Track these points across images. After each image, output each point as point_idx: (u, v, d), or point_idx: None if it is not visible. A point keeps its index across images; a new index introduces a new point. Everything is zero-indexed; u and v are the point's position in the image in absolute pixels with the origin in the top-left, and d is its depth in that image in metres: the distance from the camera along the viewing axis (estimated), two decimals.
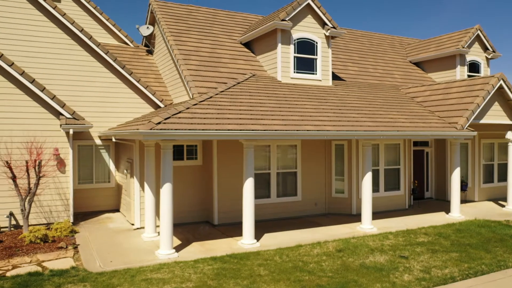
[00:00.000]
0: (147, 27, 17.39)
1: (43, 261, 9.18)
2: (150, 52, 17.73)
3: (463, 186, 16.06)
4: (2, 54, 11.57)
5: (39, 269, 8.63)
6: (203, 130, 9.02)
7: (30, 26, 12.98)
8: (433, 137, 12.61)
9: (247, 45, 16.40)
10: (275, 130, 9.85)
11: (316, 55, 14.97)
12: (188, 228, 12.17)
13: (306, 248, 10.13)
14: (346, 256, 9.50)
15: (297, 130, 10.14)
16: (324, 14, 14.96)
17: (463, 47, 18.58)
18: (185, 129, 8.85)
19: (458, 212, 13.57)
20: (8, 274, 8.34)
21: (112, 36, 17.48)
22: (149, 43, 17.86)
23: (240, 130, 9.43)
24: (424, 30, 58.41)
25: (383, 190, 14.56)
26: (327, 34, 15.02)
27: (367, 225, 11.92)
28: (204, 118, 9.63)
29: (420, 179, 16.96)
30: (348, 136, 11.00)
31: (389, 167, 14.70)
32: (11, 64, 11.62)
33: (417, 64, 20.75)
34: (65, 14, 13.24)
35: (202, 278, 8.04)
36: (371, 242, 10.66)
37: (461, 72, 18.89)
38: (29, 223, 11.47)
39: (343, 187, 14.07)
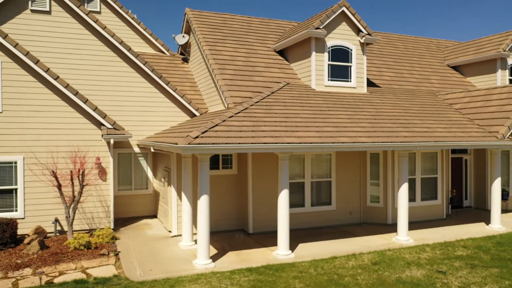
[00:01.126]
0: (183, 36, 17.78)
1: (87, 268, 9.61)
2: (185, 60, 18.13)
3: (504, 195, 15.56)
4: (49, 69, 12.16)
5: (84, 276, 9.06)
6: (239, 144, 9.20)
7: (73, 39, 13.57)
8: (472, 147, 12.31)
9: (281, 52, 16.49)
10: (310, 143, 9.91)
11: (351, 62, 14.88)
12: (224, 236, 12.40)
13: (341, 260, 10.13)
14: (381, 270, 9.45)
15: (332, 143, 10.16)
16: (359, 21, 14.85)
17: (504, 51, 17.96)
18: (221, 143, 9.06)
19: (498, 224, 13.18)
20: (56, 281, 8.80)
21: (149, 45, 17.99)
22: (184, 51, 18.26)
23: (275, 143, 9.56)
24: (461, 33, 56.57)
25: (420, 200, 14.32)
26: (362, 41, 14.91)
27: (403, 237, 11.77)
28: (240, 131, 9.81)
29: (458, 187, 16.55)
30: (383, 147, 10.92)
31: (426, 176, 14.44)
32: (56, 78, 12.19)
33: (455, 68, 20.22)
34: (105, 27, 13.76)
35: None
36: (408, 255, 10.54)
37: (502, 76, 18.28)
38: (73, 229, 12.02)
39: (378, 196, 13.94)
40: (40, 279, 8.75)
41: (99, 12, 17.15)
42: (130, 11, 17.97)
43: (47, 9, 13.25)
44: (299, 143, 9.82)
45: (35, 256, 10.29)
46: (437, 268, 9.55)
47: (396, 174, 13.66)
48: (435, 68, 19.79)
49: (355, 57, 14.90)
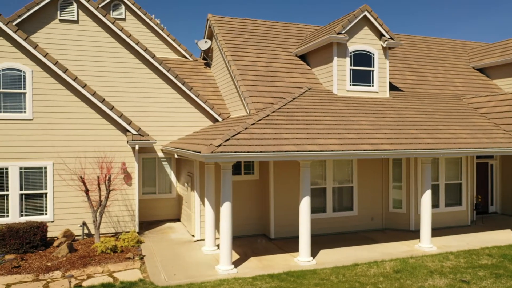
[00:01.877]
0: (205, 41, 18.03)
1: (113, 272, 9.91)
2: (208, 65, 18.36)
3: None
4: (76, 77, 12.55)
5: (111, 280, 9.35)
6: (261, 152, 9.33)
7: (99, 47, 13.96)
8: (498, 154, 12.10)
9: (303, 57, 16.53)
10: (331, 151, 9.95)
11: (373, 67, 14.82)
12: (246, 241, 12.55)
13: (362, 267, 10.14)
14: (403, 278, 9.42)
15: (354, 150, 10.17)
16: (381, 26, 14.77)
17: None
18: (244, 151, 9.20)
19: None
20: (84, 284, 9.11)
21: (172, 50, 18.29)
22: (207, 56, 18.51)
23: (297, 151, 9.64)
24: (486, 34, 55.16)
25: (444, 206, 14.15)
26: (384, 45, 14.82)
27: (426, 244, 11.68)
28: (262, 139, 9.94)
29: (484, 192, 16.26)
30: (406, 155, 10.86)
31: (450, 182, 14.26)
32: (83, 86, 12.58)
33: (481, 70, 19.83)
34: (130, 35, 14.09)
35: None
36: (430, 263, 10.47)
37: None
38: (100, 233, 12.37)
39: (401, 201, 13.84)
40: (70, 282, 9.07)
41: (124, 19, 17.55)
42: (154, 16, 18.35)
43: (75, 18, 13.67)
44: (321, 151, 9.87)
45: (64, 259, 10.66)
46: (460, 277, 9.46)
47: (419, 179, 13.54)
48: (460, 70, 19.46)
49: (377, 61, 14.82)
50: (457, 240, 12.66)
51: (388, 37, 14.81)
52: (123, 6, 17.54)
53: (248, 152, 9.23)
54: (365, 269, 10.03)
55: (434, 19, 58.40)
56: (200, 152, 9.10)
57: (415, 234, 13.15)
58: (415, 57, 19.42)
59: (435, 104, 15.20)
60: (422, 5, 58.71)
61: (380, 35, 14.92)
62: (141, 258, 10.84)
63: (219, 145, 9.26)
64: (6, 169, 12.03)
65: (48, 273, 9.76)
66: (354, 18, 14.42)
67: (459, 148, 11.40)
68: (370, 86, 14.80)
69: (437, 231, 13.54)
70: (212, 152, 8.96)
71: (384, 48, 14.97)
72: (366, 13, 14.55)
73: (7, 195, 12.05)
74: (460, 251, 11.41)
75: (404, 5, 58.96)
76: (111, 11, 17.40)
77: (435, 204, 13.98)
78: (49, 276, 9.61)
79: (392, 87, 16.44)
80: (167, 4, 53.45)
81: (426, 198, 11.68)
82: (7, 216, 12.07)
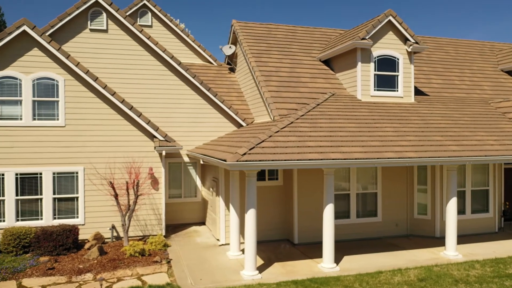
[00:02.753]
0: (230, 47, 18.28)
1: (142, 275, 10.25)
2: (232, 70, 18.61)
3: None
4: (106, 85, 12.99)
5: (139, 283, 9.68)
6: (285, 160, 9.48)
7: (127, 55, 14.37)
8: None
9: (326, 62, 16.58)
10: (355, 159, 10.02)
11: (398, 71, 14.74)
12: (270, 246, 12.72)
13: (386, 275, 10.16)
14: (428, 287, 9.41)
15: (378, 158, 10.21)
16: (406, 30, 14.68)
17: None
18: (268, 160, 9.37)
19: None
20: (114, 287, 9.47)
21: (197, 56, 18.62)
22: (231, 61, 18.76)
23: (321, 159, 9.75)
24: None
25: (470, 213, 13.97)
26: (409, 50, 14.72)
27: (452, 252, 11.59)
28: (286, 147, 10.08)
29: None
30: (430, 162, 10.81)
31: (477, 188, 14.07)
32: (113, 94, 13.00)
33: (510, 72, 19.39)
34: (157, 43, 14.46)
35: None
36: (456, 271, 10.40)
37: None
38: (128, 236, 12.78)
39: (425, 208, 13.74)
40: (101, 285, 9.44)
41: (150, 26, 17.98)
42: (178, 20, 18.71)
43: (104, 27, 14.12)
44: (344, 159, 9.95)
45: (95, 261, 11.08)
46: (486, 287, 9.38)
47: (444, 185, 13.41)
48: (488, 73, 19.09)
49: (402, 66, 14.74)
50: (484, 248, 12.49)
51: (413, 41, 14.71)
52: (149, 14, 17.97)
53: (272, 160, 9.40)
54: (389, 276, 10.05)
55: (434, 21, 57.01)
56: (225, 161, 9.32)
57: (440, 241, 13.05)
58: (442, 60, 19.16)
59: (462, 108, 15.00)
60: (422, 7, 57.50)
61: (405, 40, 14.83)
62: (168, 262, 11.16)
63: (244, 154, 9.45)
64: (40, 174, 12.56)
65: (80, 275, 10.17)
66: (378, 23, 14.38)
67: (485, 156, 11.27)
68: (394, 91, 14.74)
69: (463, 238, 13.39)
70: (237, 161, 9.17)
71: (409, 53, 14.87)
72: (390, 18, 14.49)
73: (41, 199, 12.59)
74: (486, 260, 11.28)
75: (405, 7, 57.87)
76: (138, 18, 17.85)
77: (461, 211, 13.82)
78: (81, 278, 10.01)
79: (417, 92, 16.30)
80: (191, 7, 54.11)
81: (452, 206, 11.59)
82: (41, 219, 12.60)
